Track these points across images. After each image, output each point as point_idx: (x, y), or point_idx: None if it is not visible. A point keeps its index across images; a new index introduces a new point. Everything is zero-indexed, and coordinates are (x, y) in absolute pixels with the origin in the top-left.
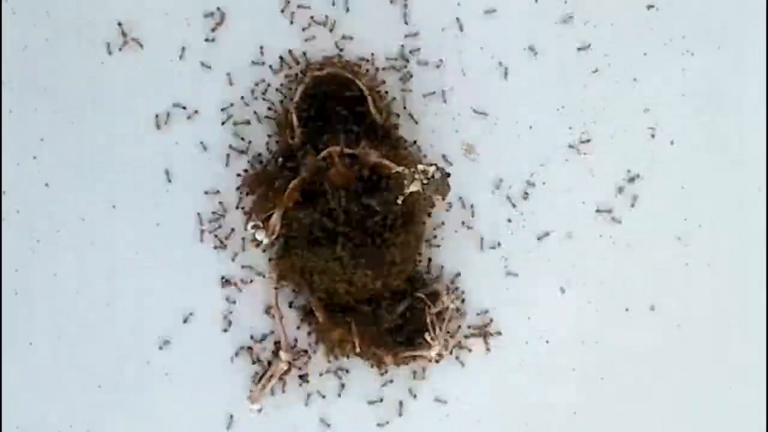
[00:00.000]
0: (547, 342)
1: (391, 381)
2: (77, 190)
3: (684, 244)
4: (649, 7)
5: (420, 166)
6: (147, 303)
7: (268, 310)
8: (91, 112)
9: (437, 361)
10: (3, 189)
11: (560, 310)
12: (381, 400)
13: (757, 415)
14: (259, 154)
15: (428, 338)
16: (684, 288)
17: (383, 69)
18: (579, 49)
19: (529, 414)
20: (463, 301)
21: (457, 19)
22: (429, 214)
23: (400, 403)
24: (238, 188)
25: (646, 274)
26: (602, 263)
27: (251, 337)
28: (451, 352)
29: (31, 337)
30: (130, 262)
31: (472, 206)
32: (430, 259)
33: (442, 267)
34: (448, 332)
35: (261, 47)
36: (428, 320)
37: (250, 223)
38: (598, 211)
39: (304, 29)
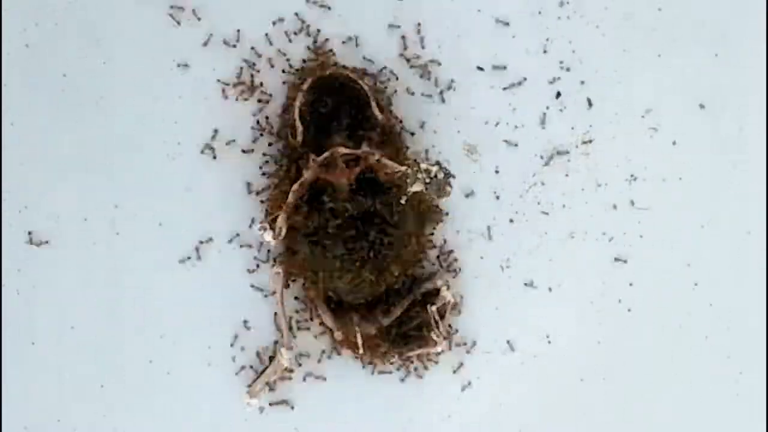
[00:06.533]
0: (549, 342)
1: (394, 381)
2: (79, 190)
3: (685, 244)
4: (652, 8)
5: (422, 166)
6: (149, 302)
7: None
8: (92, 112)
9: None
10: (4, 189)
11: (562, 311)
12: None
13: (758, 414)
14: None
15: (433, 336)
16: (686, 288)
17: (385, 69)
18: (581, 49)
19: (531, 414)
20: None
21: (458, 19)
22: (430, 214)
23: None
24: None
25: (648, 274)
26: (604, 263)
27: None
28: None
29: (32, 336)
30: (132, 262)
31: (471, 206)
32: (429, 258)
33: (441, 261)
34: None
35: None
36: (431, 318)
37: (257, 225)
38: (599, 211)
39: (306, 33)
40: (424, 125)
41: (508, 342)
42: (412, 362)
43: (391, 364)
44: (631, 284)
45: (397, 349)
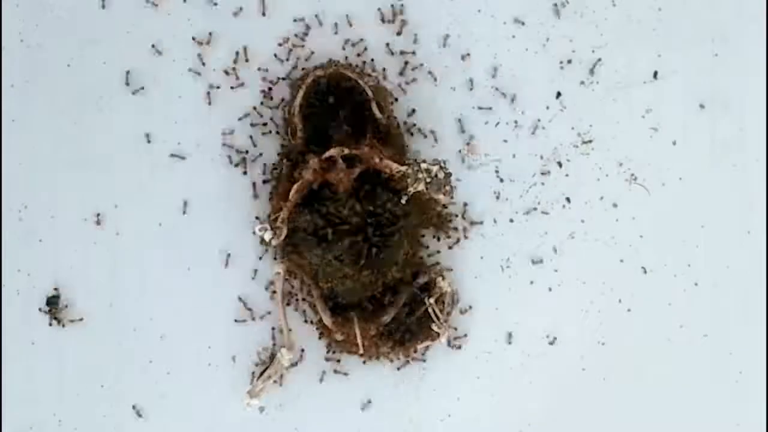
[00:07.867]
0: (550, 343)
1: (394, 381)
2: (78, 190)
3: (686, 244)
4: (652, 8)
5: (423, 165)
6: (149, 302)
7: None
8: (91, 112)
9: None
10: (4, 189)
11: (562, 311)
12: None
13: (759, 414)
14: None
15: (435, 328)
16: (686, 288)
17: (385, 70)
18: (581, 49)
19: (531, 414)
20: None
21: (458, 20)
22: (432, 214)
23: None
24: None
25: (648, 274)
26: (604, 263)
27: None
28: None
29: (32, 336)
30: (131, 261)
31: (471, 206)
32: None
33: (437, 253)
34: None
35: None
36: (430, 310)
37: (258, 225)
38: (599, 211)
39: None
40: (424, 125)
41: (508, 342)
42: (420, 358)
43: (398, 359)
44: (631, 284)
45: (400, 346)
